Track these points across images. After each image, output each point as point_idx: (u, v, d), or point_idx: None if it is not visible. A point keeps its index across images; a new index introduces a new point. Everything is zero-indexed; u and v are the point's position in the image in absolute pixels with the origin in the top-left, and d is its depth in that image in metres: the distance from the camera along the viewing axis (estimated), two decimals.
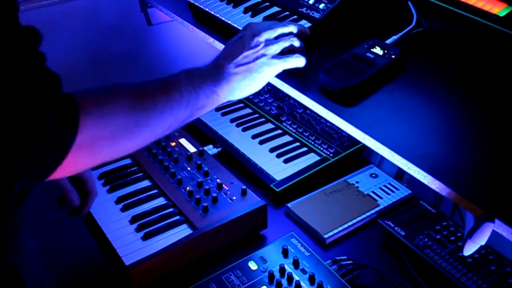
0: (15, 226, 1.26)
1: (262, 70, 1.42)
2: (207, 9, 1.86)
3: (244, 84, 1.41)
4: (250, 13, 1.76)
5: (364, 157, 2.22)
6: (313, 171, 2.03)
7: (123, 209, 1.83)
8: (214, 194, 1.81)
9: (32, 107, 0.96)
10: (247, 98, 2.47)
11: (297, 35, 1.53)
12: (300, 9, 1.69)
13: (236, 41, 1.45)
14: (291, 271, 1.63)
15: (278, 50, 1.45)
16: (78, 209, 1.66)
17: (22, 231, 1.29)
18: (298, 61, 1.47)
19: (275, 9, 1.75)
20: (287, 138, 2.23)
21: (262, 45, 1.43)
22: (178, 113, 1.29)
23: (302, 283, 1.58)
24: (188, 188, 1.86)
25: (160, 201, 1.87)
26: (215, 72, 1.39)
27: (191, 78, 1.33)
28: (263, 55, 1.42)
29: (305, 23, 1.64)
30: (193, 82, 1.33)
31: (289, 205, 1.94)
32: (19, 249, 1.29)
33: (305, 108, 2.33)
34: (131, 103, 1.18)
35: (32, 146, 0.98)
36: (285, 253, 1.69)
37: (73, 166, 1.09)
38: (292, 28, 1.52)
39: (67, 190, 1.61)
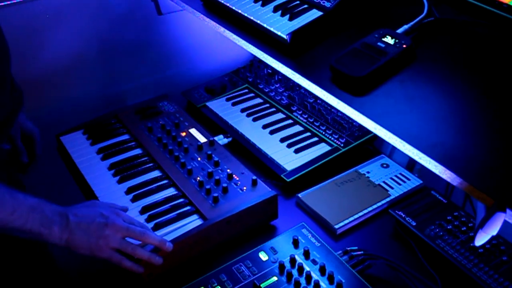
0: None
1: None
2: None
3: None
4: (260, 2, 1.75)
5: (375, 147, 2.21)
6: (324, 161, 2.03)
7: (133, 200, 1.82)
8: (225, 185, 1.81)
9: None
10: (257, 88, 2.47)
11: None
12: None
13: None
14: (301, 261, 1.62)
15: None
16: (24, 166, 1.96)
17: None
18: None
19: None
20: (297, 128, 2.22)
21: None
22: None
23: (312, 274, 1.58)
24: (198, 178, 1.86)
25: (170, 191, 1.87)
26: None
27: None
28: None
29: (316, 12, 1.63)
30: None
31: (299, 195, 1.94)
32: None
33: (316, 98, 2.32)
34: None
35: None
36: (295, 243, 1.69)
37: None
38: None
39: (17, 148, 1.94)
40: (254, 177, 1.84)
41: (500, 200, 1.06)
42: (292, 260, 1.62)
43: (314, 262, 1.62)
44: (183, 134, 2.09)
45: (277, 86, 2.47)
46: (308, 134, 2.18)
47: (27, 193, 1.48)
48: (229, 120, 2.28)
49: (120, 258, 1.56)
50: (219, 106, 2.38)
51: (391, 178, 2.01)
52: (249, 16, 1.71)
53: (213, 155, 1.96)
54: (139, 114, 2.22)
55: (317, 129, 2.18)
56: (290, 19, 1.64)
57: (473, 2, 1.50)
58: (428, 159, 1.18)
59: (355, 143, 2.09)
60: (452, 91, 1.34)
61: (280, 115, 2.31)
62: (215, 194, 1.77)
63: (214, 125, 2.29)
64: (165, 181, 1.90)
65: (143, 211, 1.77)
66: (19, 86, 1.70)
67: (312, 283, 1.55)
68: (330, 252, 1.65)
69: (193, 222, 1.74)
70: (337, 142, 2.10)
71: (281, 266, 1.60)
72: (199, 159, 1.95)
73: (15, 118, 1.67)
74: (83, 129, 2.18)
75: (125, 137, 2.14)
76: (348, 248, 1.70)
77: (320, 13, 1.62)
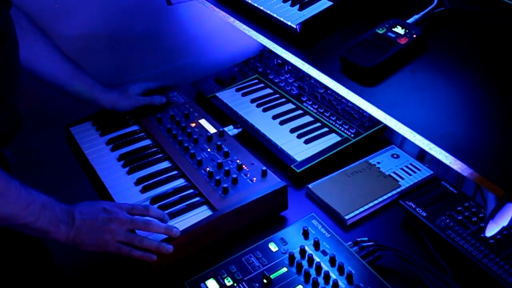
0: None
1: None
2: None
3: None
4: None
5: (386, 137, 2.20)
6: (334, 151, 2.02)
7: (143, 190, 1.83)
8: (234, 175, 1.81)
9: None
10: (267, 78, 2.46)
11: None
12: None
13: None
14: (311, 252, 1.62)
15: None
16: None
17: None
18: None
19: None
20: (308, 119, 2.22)
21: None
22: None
23: (322, 265, 1.58)
24: (208, 169, 1.86)
25: (180, 182, 1.87)
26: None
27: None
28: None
29: (326, 2, 1.62)
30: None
31: (309, 186, 1.93)
32: None
33: (326, 88, 2.31)
34: None
35: None
36: (305, 234, 1.68)
37: None
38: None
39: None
40: (264, 168, 1.84)
41: (510, 190, 1.05)
42: (302, 251, 1.62)
43: (324, 253, 1.62)
44: (193, 124, 2.09)
45: (287, 76, 2.46)
46: (318, 124, 2.18)
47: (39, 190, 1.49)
48: (239, 110, 2.28)
49: (129, 249, 1.57)
50: (229, 97, 2.38)
51: (402, 169, 2.00)
52: (259, 6, 1.71)
53: (222, 146, 1.95)
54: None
55: (327, 120, 2.18)
56: (300, 9, 1.64)
57: None
58: (439, 149, 1.18)
59: (365, 134, 2.09)
60: (463, 81, 1.33)
61: (290, 106, 2.30)
62: (225, 185, 1.77)
63: (223, 115, 2.28)
64: (174, 172, 1.91)
65: (152, 202, 1.78)
66: (19, 110, 1.71)
67: (322, 274, 1.55)
68: (340, 243, 1.65)
69: (202, 213, 1.74)
70: (347, 132, 2.10)
71: (291, 257, 1.60)
72: (208, 149, 1.95)
73: (10, 140, 1.67)
74: (92, 120, 2.19)
75: (135, 127, 2.14)
76: (358, 239, 1.70)
77: (330, 3, 1.61)
